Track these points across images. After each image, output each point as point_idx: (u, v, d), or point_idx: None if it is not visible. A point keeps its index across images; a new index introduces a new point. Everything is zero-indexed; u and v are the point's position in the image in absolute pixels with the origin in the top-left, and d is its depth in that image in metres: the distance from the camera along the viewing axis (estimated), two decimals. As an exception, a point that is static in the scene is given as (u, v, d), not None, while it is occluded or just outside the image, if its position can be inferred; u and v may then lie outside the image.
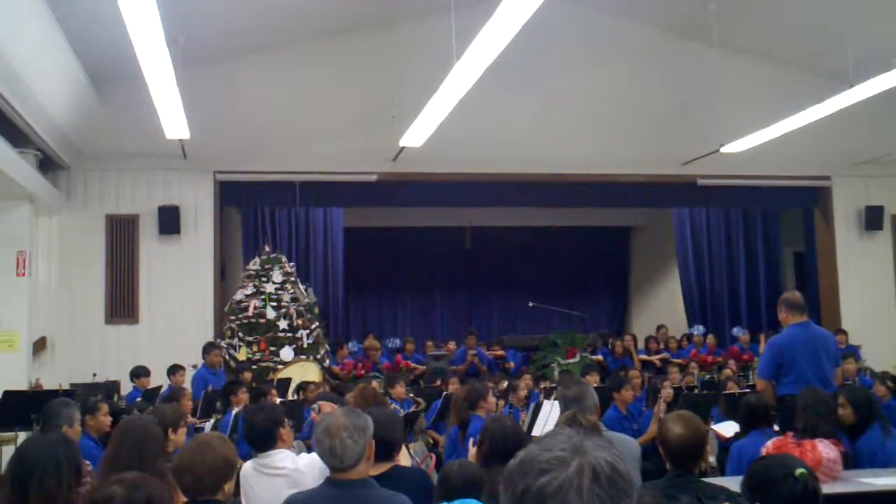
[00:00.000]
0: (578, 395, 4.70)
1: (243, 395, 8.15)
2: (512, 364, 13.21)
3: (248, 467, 4.20)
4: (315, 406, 5.69)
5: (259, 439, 4.22)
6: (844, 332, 12.00)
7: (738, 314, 15.75)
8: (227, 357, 11.10)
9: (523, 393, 9.10)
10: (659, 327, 14.84)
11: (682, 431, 3.70)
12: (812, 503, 2.94)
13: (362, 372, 12.25)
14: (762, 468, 3.11)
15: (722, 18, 10.55)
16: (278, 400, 8.10)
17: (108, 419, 6.14)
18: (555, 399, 6.55)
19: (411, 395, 9.33)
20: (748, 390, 8.20)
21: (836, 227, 13.99)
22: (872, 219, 13.85)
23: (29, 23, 7.78)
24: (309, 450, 5.68)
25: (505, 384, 9.64)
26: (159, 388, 9.31)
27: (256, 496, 4.05)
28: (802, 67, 11.14)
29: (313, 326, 11.59)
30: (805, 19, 10.20)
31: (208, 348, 10.43)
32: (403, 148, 11.05)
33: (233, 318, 11.45)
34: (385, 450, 3.88)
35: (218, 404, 8.26)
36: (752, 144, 11.12)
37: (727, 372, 11.24)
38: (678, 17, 10.89)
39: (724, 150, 11.59)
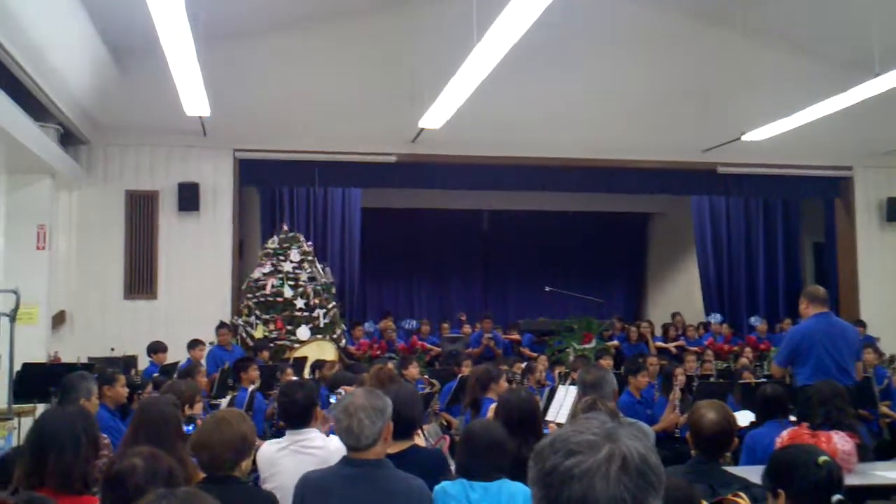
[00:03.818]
0: (597, 381, 4.68)
1: (254, 373, 8.21)
2: (527, 350, 13.19)
3: (276, 444, 4.21)
4: (341, 391, 5.72)
5: (296, 416, 4.23)
6: (863, 324, 11.90)
7: (755, 303, 15.69)
8: (243, 335, 11.16)
9: (542, 375, 9.14)
10: (674, 315, 14.77)
11: (716, 417, 3.74)
12: (834, 490, 2.94)
13: (378, 352, 12.29)
14: (784, 456, 3.11)
15: (746, 5, 10.43)
16: (295, 378, 8.14)
17: (126, 390, 6.24)
18: (570, 384, 6.53)
19: (425, 376, 9.35)
20: (764, 380, 8.17)
21: (857, 217, 13.89)
22: (894, 210, 13.73)
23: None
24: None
25: (523, 366, 9.72)
26: (176, 363, 9.36)
27: (282, 473, 4.03)
28: (826, 56, 11.00)
29: (330, 306, 11.61)
30: (830, 7, 10.07)
31: (217, 328, 10.56)
32: (423, 129, 11.03)
33: (250, 295, 11.49)
34: (404, 427, 3.89)
35: (230, 381, 8.31)
36: (774, 133, 11.03)
37: (743, 361, 11.20)
38: (702, 3, 10.77)
39: (745, 137, 11.50)
